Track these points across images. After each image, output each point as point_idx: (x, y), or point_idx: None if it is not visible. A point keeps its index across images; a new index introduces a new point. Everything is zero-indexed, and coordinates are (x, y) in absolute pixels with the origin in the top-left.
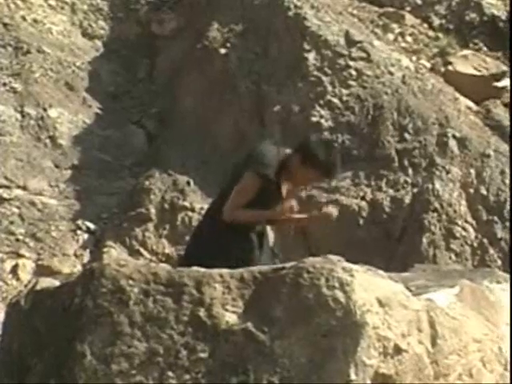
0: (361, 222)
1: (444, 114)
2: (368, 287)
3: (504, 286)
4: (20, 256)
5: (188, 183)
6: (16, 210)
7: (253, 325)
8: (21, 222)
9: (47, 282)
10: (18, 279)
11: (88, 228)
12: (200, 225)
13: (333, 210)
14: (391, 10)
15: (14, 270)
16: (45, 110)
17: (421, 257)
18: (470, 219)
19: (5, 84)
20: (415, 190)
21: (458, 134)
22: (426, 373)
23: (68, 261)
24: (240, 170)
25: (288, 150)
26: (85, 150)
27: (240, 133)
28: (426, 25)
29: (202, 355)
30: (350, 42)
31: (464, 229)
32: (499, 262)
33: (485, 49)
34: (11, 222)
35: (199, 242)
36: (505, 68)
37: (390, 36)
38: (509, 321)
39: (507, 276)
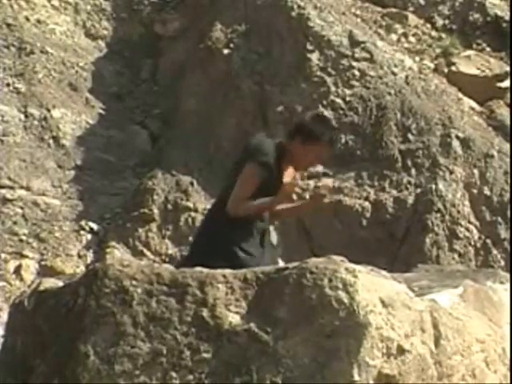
0: (364, 222)
1: (447, 115)
2: (371, 288)
3: (507, 287)
4: (23, 256)
5: (191, 183)
6: (19, 211)
7: (256, 325)
8: (24, 223)
9: (50, 283)
10: (21, 279)
11: (91, 228)
12: (203, 224)
13: (329, 183)
14: (394, 10)
15: (18, 271)
16: (48, 110)
17: (424, 257)
18: (473, 220)
19: (8, 84)
20: (418, 191)
21: (461, 135)
22: (430, 373)
23: (71, 261)
24: (239, 165)
25: (282, 139)
26: (88, 150)
27: (243, 133)
28: (429, 25)
29: (206, 355)
30: (354, 43)
31: (467, 229)
32: (502, 263)
33: (488, 49)
34: (14, 223)
35: (202, 240)
36: (508, 68)
37: (394, 36)
38: (509, 320)
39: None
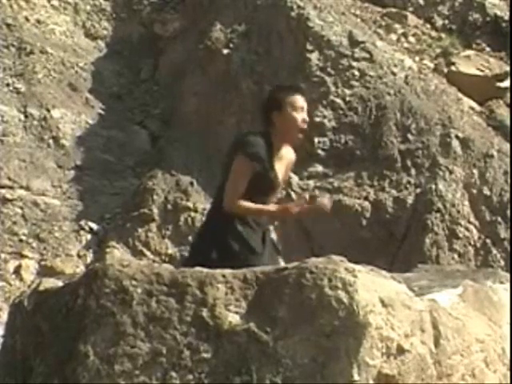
0: (364, 222)
1: (447, 115)
2: (371, 287)
3: (507, 286)
4: (23, 256)
5: (191, 183)
6: (19, 211)
7: (256, 325)
8: (24, 223)
9: (50, 283)
10: (21, 279)
11: (91, 228)
12: (203, 223)
13: (327, 202)
14: (394, 10)
15: (17, 271)
16: (48, 110)
17: (424, 257)
18: (473, 219)
19: (8, 84)
20: (418, 191)
21: (460, 135)
22: (429, 373)
23: (71, 261)
24: (229, 161)
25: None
26: (88, 150)
27: None
28: (428, 25)
29: (205, 355)
30: (353, 43)
31: (467, 229)
32: (502, 263)
33: (488, 49)
34: (14, 223)
35: (203, 239)
36: (508, 68)
37: (393, 36)
38: (509, 320)
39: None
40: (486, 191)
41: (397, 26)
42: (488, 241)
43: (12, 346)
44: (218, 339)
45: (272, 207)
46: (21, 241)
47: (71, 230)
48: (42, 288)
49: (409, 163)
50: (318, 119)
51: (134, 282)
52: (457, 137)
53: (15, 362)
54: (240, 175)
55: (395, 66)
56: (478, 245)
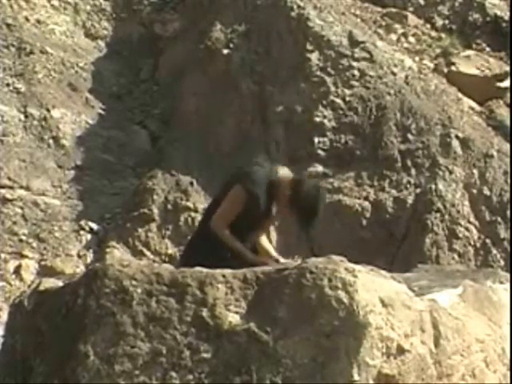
0: (364, 222)
1: (447, 115)
2: (371, 287)
3: (507, 286)
4: (23, 256)
5: (191, 183)
6: (19, 211)
7: (256, 325)
8: (24, 223)
9: (50, 283)
10: (21, 279)
11: (91, 228)
12: (195, 233)
13: None
14: (394, 10)
15: (17, 271)
16: (48, 110)
17: (424, 257)
18: (472, 219)
19: (8, 84)
20: (418, 191)
21: (460, 135)
22: (429, 373)
23: (71, 261)
24: (231, 183)
25: (281, 170)
26: (88, 150)
27: (243, 133)
28: (428, 25)
29: (205, 355)
30: (353, 43)
31: (467, 229)
32: (502, 263)
33: (488, 49)
34: (14, 223)
35: (193, 249)
36: (508, 68)
37: (393, 36)
38: (509, 320)
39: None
40: (486, 191)
41: (397, 25)
42: (488, 241)
43: (12, 345)
44: (218, 339)
45: (248, 255)
46: (21, 241)
47: (71, 229)
48: (42, 288)
49: (409, 163)
50: (317, 119)
51: (134, 282)
52: (457, 137)
53: (15, 362)
54: (233, 205)
55: (395, 66)
56: (478, 245)
